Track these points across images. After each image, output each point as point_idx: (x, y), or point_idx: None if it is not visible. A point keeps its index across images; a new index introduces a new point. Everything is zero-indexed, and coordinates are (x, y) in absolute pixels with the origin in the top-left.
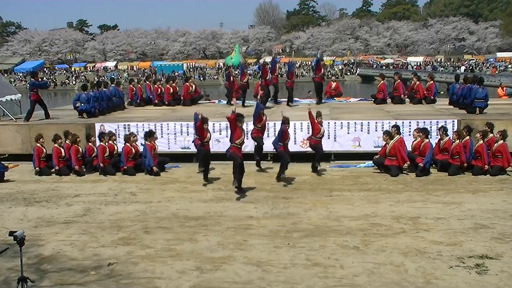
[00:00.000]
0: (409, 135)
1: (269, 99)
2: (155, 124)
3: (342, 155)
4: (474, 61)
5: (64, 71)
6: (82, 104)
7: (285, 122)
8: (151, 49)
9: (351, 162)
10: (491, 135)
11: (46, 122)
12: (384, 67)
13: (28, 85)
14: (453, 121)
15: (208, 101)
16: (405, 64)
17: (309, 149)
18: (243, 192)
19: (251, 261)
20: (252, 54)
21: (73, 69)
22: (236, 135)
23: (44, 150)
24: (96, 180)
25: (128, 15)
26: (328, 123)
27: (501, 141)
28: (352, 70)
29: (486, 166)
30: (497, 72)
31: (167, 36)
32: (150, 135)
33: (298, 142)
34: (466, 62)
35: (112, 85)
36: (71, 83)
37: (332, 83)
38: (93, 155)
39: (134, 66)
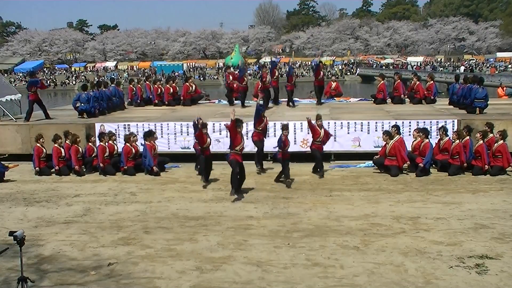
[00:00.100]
0: (409, 135)
1: (269, 99)
2: (155, 124)
3: (342, 155)
4: (474, 61)
5: (64, 71)
6: (82, 104)
7: (284, 129)
8: (151, 49)
9: (351, 162)
10: (491, 135)
11: (46, 122)
12: (384, 67)
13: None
14: (453, 121)
15: (208, 101)
16: (405, 64)
17: (309, 149)
18: (243, 192)
19: (251, 261)
20: (252, 54)
21: (73, 69)
22: (237, 142)
23: (44, 150)
24: (96, 180)
25: (128, 15)
26: (328, 123)
27: (501, 141)
28: (352, 70)
29: (486, 166)
30: (496, 72)
31: (167, 36)
32: (149, 135)
33: (298, 142)
34: (466, 62)
35: (112, 85)
36: (71, 83)
37: (332, 83)
38: (93, 155)
39: (134, 66)
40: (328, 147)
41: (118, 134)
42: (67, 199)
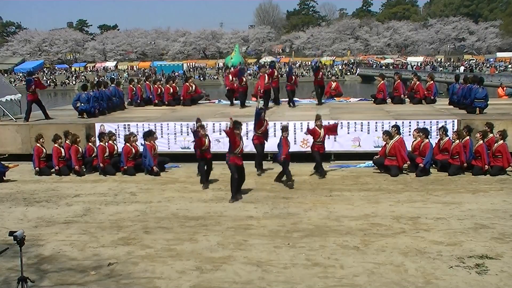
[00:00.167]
0: (409, 135)
1: (269, 99)
2: (155, 124)
3: (342, 155)
4: (474, 61)
5: (64, 71)
6: (82, 104)
7: (283, 130)
8: (151, 49)
9: (351, 162)
10: (491, 135)
11: (46, 122)
12: (384, 67)
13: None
14: (453, 121)
15: (208, 101)
16: (405, 64)
17: (309, 149)
18: (243, 192)
19: (251, 261)
20: (252, 54)
21: (73, 69)
22: (235, 145)
23: (44, 150)
24: (96, 180)
25: (128, 15)
26: (328, 123)
27: (501, 141)
28: (352, 70)
29: (486, 166)
30: (496, 72)
31: (167, 36)
32: (149, 134)
33: (298, 142)
34: (466, 62)
35: (112, 85)
36: (71, 83)
37: (332, 83)
38: (93, 155)
39: (134, 66)
40: (328, 147)
41: (118, 134)
42: (67, 199)
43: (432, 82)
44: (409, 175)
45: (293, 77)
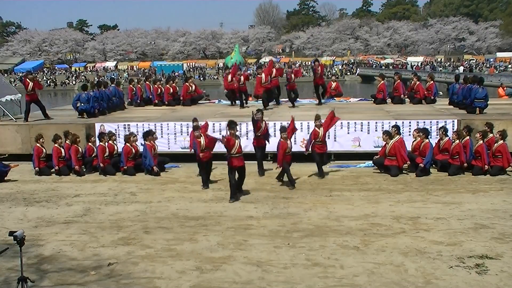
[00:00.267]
0: (409, 135)
1: (268, 99)
2: (155, 124)
3: (342, 155)
4: (474, 61)
5: (64, 71)
6: (82, 104)
7: (282, 131)
8: (151, 49)
9: (351, 162)
10: (491, 135)
11: (46, 122)
12: (384, 67)
13: None
14: (453, 121)
15: (208, 101)
16: (405, 64)
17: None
18: (243, 192)
19: (251, 261)
20: (252, 54)
21: (73, 69)
22: (230, 146)
23: (44, 150)
24: (96, 180)
25: (128, 15)
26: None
27: (501, 141)
28: (352, 70)
29: (486, 166)
30: (496, 72)
31: (167, 36)
32: (148, 134)
33: (298, 142)
34: (466, 62)
35: (112, 85)
36: (71, 83)
37: (332, 83)
38: (93, 155)
39: (134, 66)
40: (328, 147)
41: (118, 134)
42: (67, 199)
43: (432, 82)
44: (409, 175)
45: (292, 75)
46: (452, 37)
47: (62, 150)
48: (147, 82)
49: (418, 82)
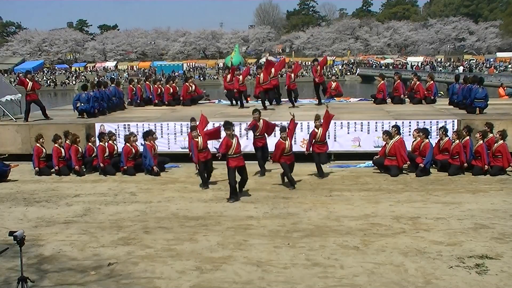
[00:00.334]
0: (409, 135)
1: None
2: (155, 124)
3: (342, 155)
4: (474, 61)
5: (64, 71)
6: (82, 104)
7: (282, 131)
8: (151, 49)
9: (351, 162)
10: (491, 135)
11: (46, 122)
12: (384, 67)
13: None
14: (453, 121)
15: (208, 101)
16: (405, 64)
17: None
18: (243, 192)
19: (251, 261)
20: (252, 54)
21: (73, 69)
22: (227, 147)
23: (44, 150)
24: (96, 180)
25: (128, 15)
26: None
27: (501, 141)
28: (352, 70)
29: (486, 166)
30: (496, 72)
31: (167, 36)
32: (148, 134)
33: (298, 142)
34: (466, 62)
35: (112, 85)
36: (71, 83)
37: (332, 83)
38: (93, 155)
39: (134, 66)
40: (328, 147)
41: (118, 134)
42: (67, 199)
43: (432, 82)
44: (409, 175)
45: (292, 75)
46: (452, 37)
47: (62, 150)
48: (147, 82)
49: (418, 82)
